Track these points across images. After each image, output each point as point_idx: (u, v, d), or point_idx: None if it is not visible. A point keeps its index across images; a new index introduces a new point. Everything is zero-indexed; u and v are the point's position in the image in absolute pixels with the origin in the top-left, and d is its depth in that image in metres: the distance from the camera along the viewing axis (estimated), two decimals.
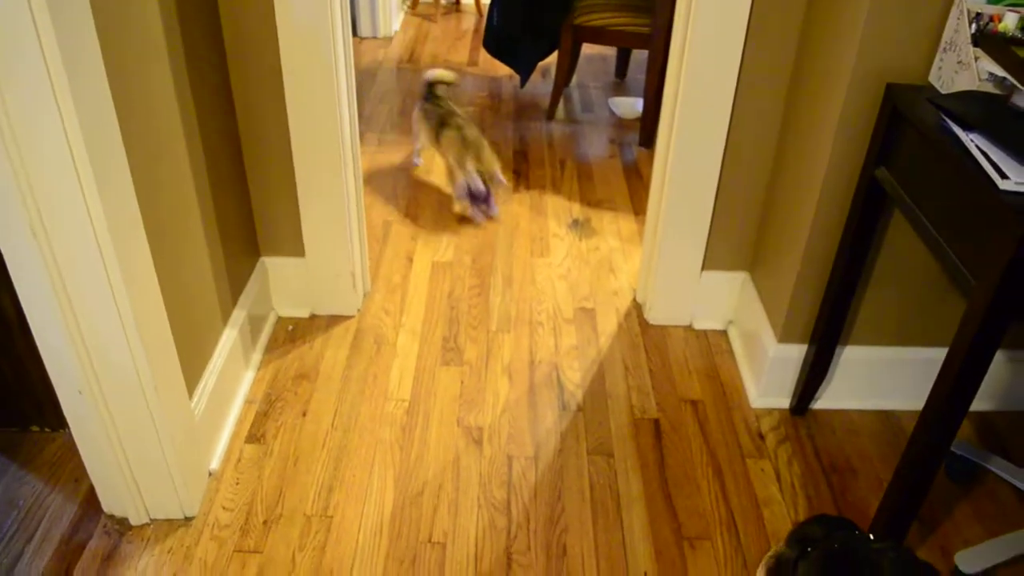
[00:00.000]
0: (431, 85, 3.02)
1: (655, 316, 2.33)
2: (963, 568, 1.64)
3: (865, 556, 0.93)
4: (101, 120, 1.33)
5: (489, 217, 2.81)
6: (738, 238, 2.19)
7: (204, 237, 1.85)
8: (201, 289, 1.86)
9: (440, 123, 2.89)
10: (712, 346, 2.27)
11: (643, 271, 2.40)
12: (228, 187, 1.99)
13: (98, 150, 1.32)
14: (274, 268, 2.26)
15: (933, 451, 1.45)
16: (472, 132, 2.83)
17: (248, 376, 2.10)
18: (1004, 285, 1.19)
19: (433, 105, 2.98)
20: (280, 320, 2.32)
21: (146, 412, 1.58)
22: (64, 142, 1.27)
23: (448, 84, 3.06)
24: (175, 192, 1.70)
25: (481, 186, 2.73)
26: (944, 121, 1.43)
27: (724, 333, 2.32)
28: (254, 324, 2.16)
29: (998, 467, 1.87)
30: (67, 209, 1.33)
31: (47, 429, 1.92)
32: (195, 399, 1.80)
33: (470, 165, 2.75)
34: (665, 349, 2.25)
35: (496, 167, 2.79)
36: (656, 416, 2.04)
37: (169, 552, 1.68)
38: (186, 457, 1.71)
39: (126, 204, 1.43)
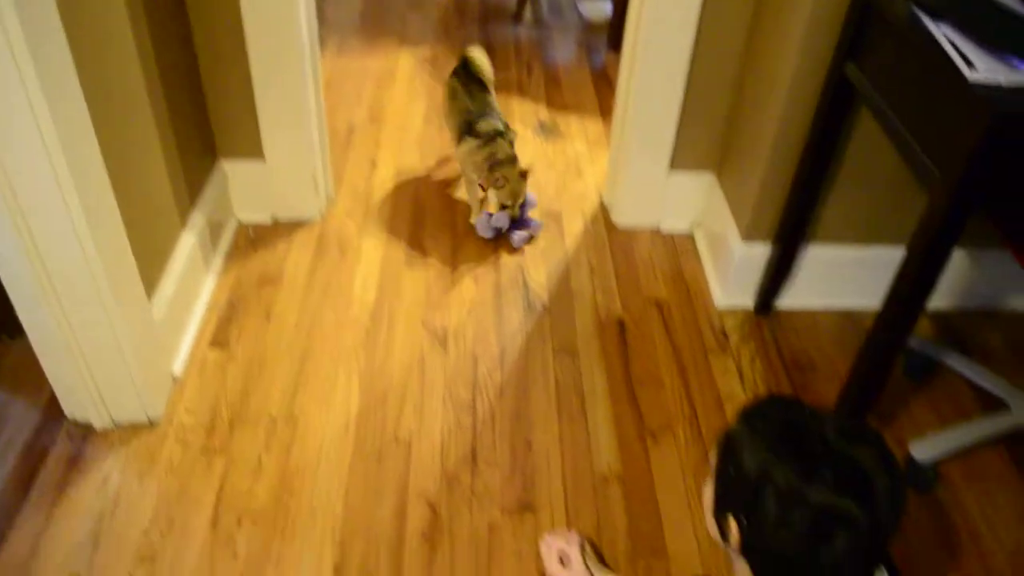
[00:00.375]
0: (467, 61, 2.40)
1: (621, 218, 2.32)
2: (917, 456, 1.68)
3: (811, 426, 0.95)
4: (42, 11, 1.27)
5: (531, 240, 2.28)
6: (705, 138, 2.17)
7: (158, 137, 1.79)
8: (156, 191, 1.81)
9: (467, 124, 2.27)
10: (678, 248, 2.27)
11: (610, 173, 2.38)
12: (181, 87, 1.92)
13: (39, 42, 1.26)
14: (233, 171, 2.20)
15: (891, 344, 1.47)
16: (504, 149, 2.21)
17: (209, 281, 2.07)
18: (967, 175, 1.19)
19: (462, 83, 2.35)
20: (241, 225, 2.28)
21: (103, 316, 1.56)
22: (2, 35, 1.21)
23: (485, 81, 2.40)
24: (124, 89, 1.63)
25: (503, 222, 2.24)
26: (914, 12, 1.40)
27: (690, 236, 2.32)
28: (214, 229, 2.12)
29: (954, 362, 1.91)
30: (11, 108, 1.28)
31: (5, 337, 1.88)
32: (154, 303, 1.77)
33: (491, 195, 2.24)
34: (631, 251, 2.25)
35: (521, 192, 2.20)
36: (621, 316, 2.05)
37: (134, 455, 1.68)
38: (147, 361, 1.70)
39: (72, 101, 1.38)
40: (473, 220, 2.29)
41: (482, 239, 2.24)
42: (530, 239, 2.27)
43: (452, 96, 2.36)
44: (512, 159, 2.20)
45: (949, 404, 1.88)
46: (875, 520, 0.90)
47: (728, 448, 1.00)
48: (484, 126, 2.23)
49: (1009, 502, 1.68)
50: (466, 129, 2.25)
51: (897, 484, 0.92)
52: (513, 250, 2.23)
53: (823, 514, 0.90)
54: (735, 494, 0.98)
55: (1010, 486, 1.71)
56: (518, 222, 2.25)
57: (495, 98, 2.38)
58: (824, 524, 0.90)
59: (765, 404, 1.03)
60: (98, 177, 1.48)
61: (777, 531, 0.92)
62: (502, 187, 2.18)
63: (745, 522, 0.97)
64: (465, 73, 2.36)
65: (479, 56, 2.41)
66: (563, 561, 1.47)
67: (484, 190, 2.27)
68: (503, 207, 2.21)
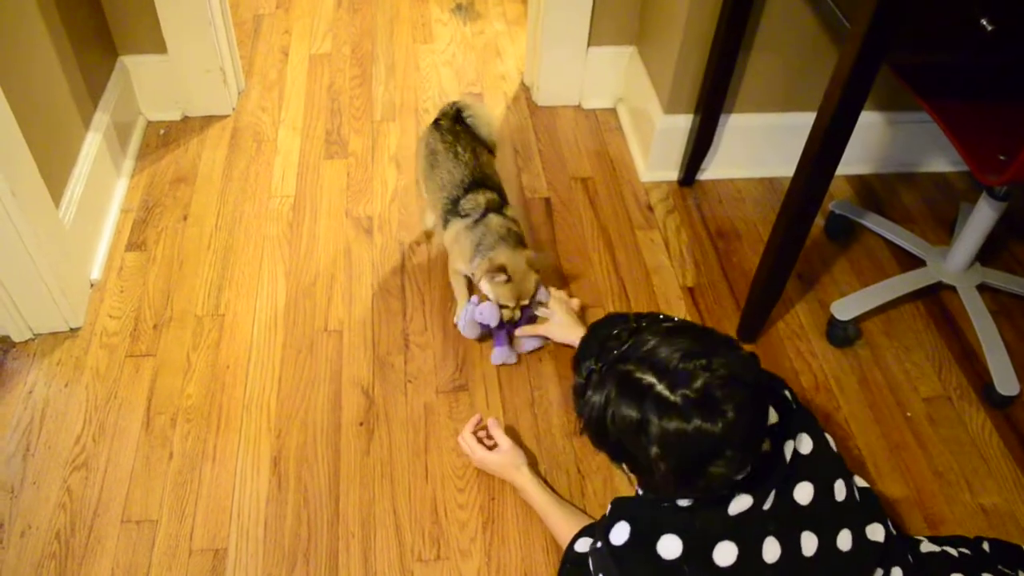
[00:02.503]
0: (459, 112, 1.78)
1: (543, 97, 2.28)
2: (838, 316, 1.73)
3: (639, 352, 0.97)
4: None
5: (516, 357, 1.68)
6: (623, 11, 2.12)
7: (48, 34, 1.69)
8: (52, 91, 1.72)
9: (452, 201, 1.67)
10: (601, 124, 2.25)
11: (529, 52, 2.33)
12: None
13: None
14: (135, 68, 2.09)
15: (808, 204, 1.49)
16: (496, 227, 1.62)
17: (121, 184, 2.00)
18: (876, 20, 1.18)
19: (446, 140, 1.72)
20: (151, 124, 2.18)
21: (7, 221, 1.49)
22: None
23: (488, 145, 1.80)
24: None
25: (491, 318, 1.62)
26: None
27: (613, 111, 2.29)
28: (121, 130, 2.03)
29: (873, 223, 1.95)
30: None
31: None
32: (63, 208, 1.70)
33: (485, 289, 1.62)
34: (554, 129, 2.22)
35: (525, 290, 1.60)
36: (547, 195, 2.04)
37: (58, 364, 1.64)
38: (61, 268, 1.64)
39: None
40: (456, 319, 1.72)
41: (403, 124, 2.19)
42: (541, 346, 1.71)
43: (430, 159, 1.74)
44: (506, 236, 1.61)
45: (869, 263, 1.93)
46: (728, 425, 0.93)
47: (590, 424, 1.02)
48: (471, 201, 1.65)
49: (925, 353, 1.75)
50: (450, 208, 1.67)
51: (730, 385, 0.94)
52: None
53: (684, 440, 0.93)
54: (616, 455, 1.04)
55: (925, 338, 1.78)
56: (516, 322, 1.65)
57: (494, 161, 1.76)
58: (693, 450, 0.95)
59: (589, 344, 1.05)
60: None
61: (659, 465, 0.96)
62: (499, 281, 1.57)
63: (636, 473, 1.03)
64: (452, 126, 1.74)
65: (477, 108, 1.80)
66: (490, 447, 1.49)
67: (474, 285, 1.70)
68: (500, 306, 1.61)
